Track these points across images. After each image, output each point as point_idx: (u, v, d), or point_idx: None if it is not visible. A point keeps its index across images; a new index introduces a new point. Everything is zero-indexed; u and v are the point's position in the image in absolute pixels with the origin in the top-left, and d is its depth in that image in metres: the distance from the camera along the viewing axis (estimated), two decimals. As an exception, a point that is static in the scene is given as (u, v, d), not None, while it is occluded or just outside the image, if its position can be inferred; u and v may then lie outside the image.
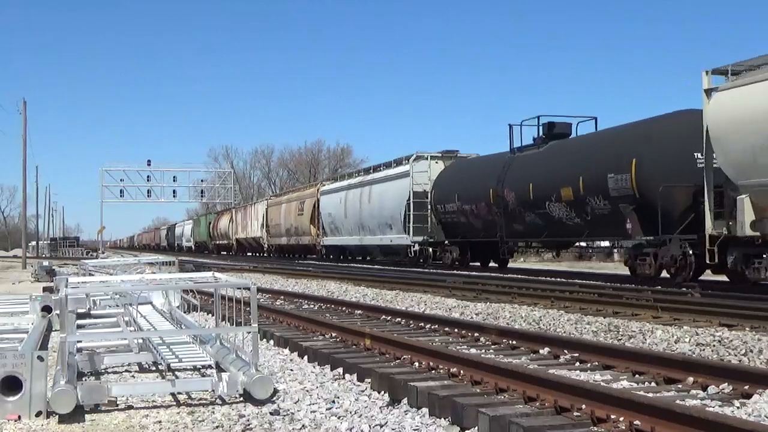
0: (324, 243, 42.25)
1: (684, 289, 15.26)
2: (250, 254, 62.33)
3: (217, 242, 72.95)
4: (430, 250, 30.26)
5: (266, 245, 54.78)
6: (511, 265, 30.60)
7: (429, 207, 30.23)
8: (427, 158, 31.31)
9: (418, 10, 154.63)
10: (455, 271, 25.36)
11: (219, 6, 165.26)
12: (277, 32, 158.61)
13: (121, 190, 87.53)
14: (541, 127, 24.62)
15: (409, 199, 30.62)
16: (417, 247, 30.44)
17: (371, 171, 37.39)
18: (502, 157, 26.15)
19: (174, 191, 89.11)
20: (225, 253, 69.12)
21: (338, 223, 39.33)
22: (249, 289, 7.02)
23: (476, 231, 27.30)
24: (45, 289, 16.58)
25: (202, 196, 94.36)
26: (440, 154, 31.56)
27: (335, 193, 40.50)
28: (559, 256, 31.82)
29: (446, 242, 29.54)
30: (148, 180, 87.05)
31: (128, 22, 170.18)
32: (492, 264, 29.27)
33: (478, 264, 29.45)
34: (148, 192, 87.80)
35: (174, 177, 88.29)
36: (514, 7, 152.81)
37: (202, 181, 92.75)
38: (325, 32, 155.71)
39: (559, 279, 19.88)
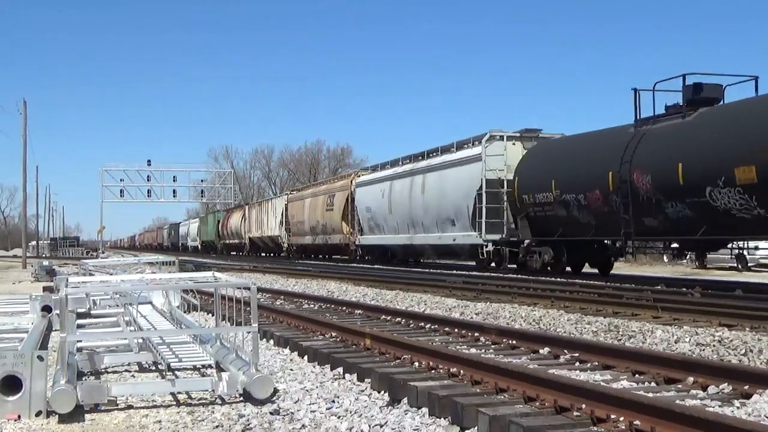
0: (360, 242, 36.48)
1: (684, 288, 15.25)
2: (264, 255, 57.19)
3: (227, 242, 68.16)
4: (507, 250, 24.72)
5: (286, 245, 48.88)
6: (619, 270, 24.84)
7: (505, 198, 24.63)
8: (502, 139, 25.42)
9: (418, 10, 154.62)
10: (456, 272, 24.81)
11: (219, 6, 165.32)
12: (277, 32, 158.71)
13: (121, 190, 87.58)
14: (683, 92, 18.50)
15: (480, 189, 25.02)
16: (491, 247, 24.96)
17: (424, 157, 30.98)
18: (622, 132, 19.93)
19: (174, 191, 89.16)
20: (236, 253, 64.39)
21: (379, 220, 33.81)
22: (249, 288, 7.02)
23: (583, 227, 21.15)
24: (45, 289, 16.58)
25: (202, 196, 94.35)
26: (518, 134, 25.74)
27: (375, 185, 34.58)
28: (705, 259, 25.34)
29: (531, 242, 23.55)
30: (148, 180, 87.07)
31: (128, 22, 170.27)
32: (590, 269, 23.57)
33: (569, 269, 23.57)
34: (148, 192, 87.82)
35: (174, 177, 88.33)
36: (514, 7, 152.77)
37: (202, 181, 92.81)
38: (325, 32, 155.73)
39: (559, 279, 19.86)
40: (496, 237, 24.88)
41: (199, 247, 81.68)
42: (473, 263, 27.27)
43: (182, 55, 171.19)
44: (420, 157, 31.36)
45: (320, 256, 45.80)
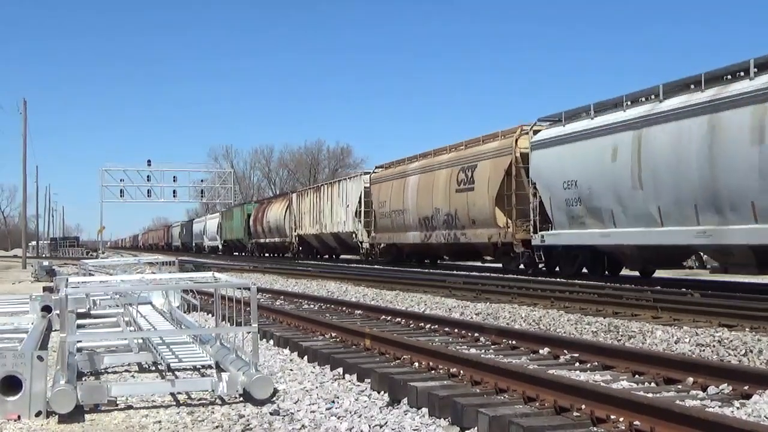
0: (546, 241, 21.13)
1: (684, 289, 15.24)
2: (328, 258, 44.66)
3: (262, 240, 54.56)
4: None
5: (366, 244, 35.77)
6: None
7: None
8: None
9: (418, 10, 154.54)
10: (456, 272, 25.02)
11: (219, 6, 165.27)
12: (276, 33, 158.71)
13: (121, 190, 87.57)
14: None
15: None
16: None
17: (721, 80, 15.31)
18: None
19: (174, 191, 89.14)
20: (277, 255, 52.13)
21: (604, 201, 18.65)
22: (249, 289, 7.02)
23: None
24: (45, 289, 16.58)
25: (202, 196, 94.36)
26: None
27: (587, 141, 19.31)
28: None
29: None
30: (148, 180, 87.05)
31: (128, 22, 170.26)
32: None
33: None
34: (148, 192, 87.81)
35: (174, 177, 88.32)
36: (514, 7, 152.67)
37: (202, 181, 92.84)
38: (324, 32, 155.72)
39: (559, 279, 19.85)
40: None
41: (220, 247, 69.31)
42: None
43: (182, 55, 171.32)
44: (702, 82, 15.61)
45: (440, 260, 31.80)
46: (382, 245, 34.56)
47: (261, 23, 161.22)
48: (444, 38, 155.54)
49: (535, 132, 22.12)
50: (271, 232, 52.00)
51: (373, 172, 36.14)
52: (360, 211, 35.99)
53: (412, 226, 30.64)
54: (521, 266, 23.29)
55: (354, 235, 36.77)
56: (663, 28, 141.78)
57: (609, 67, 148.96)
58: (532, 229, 21.76)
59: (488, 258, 28.34)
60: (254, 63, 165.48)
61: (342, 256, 44.17)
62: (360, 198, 36.02)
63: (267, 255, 54.32)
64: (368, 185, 35.51)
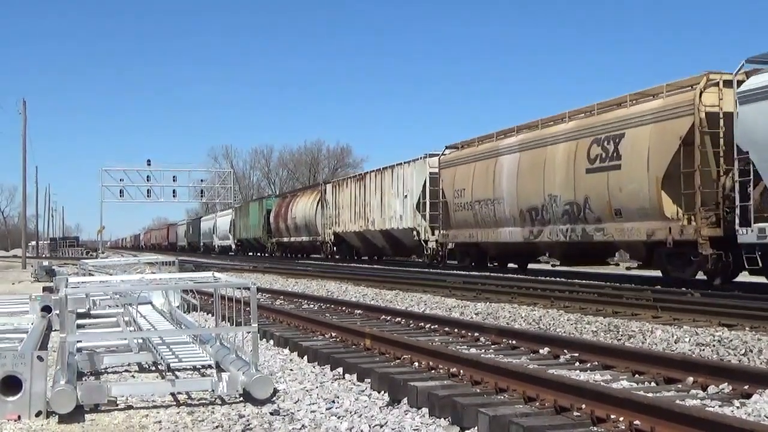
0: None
1: (684, 288, 15.25)
2: (377, 261, 37.18)
3: (286, 239, 48.25)
4: None
5: (432, 243, 28.82)
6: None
7: None
8: None
9: (418, 11, 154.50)
10: (456, 271, 24.94)
11: (218, 6, 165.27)
12: (276, 33, 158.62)
13: (120, 190, 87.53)
14: None
15: None
16: None
17: None
18: None
19: (174, 191, 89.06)
20: (302, 256, 46.89)
21: None
22: (249, 289, 7.02)
23: None
24: (45, 289, 16.58)
25: (201, 196, 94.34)
26: None
27: None
28: None
29: None
30: (147, 180, 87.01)
31: (128, 22, 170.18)
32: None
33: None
34: (147, 192, 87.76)
35: (174, 177, 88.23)
36: (515, 7, 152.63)
37: (201, 181, 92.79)
38: (324, 32, 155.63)
39: (559, 279, 19.85)
40: None
41: (233, 247, 63.39)
42: None
43: (182, 56, 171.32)
44: None
45: (551, 263, 24.46)
46: (455, 245, 27.28)
47: (261, 23, 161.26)
48: (444, 38, 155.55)
49: (740, 81, 15.12)
50: (298, 229, 45.03)
51: (443, 153, 27.87)
52: (424, 203, 29.25)
53: (506, 221, 23.29)
54: (704, 275, 16.70)
55: (415, 233, 29.70)
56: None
57: (612, 65, 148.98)
58: (738, 221, 14.88)
59: (628, 265, 22.02)
60: (254, 63, 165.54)
61: (390, 258, 36.57)
62: (424, 186, 29.19)
63: (291, 256, 47.84)
64: (435, 170, 28.06)
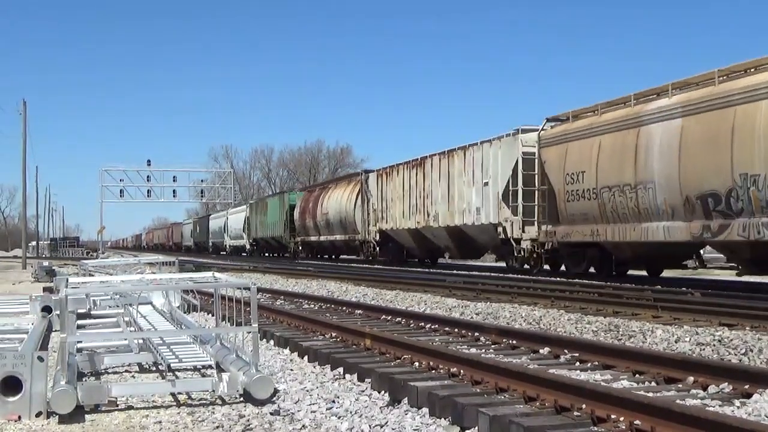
0: None
1: (684, 288, 15.25)
2: (430, 262, 31.48)
3: (314, 238, 41.96)
4: None
5: (527, 244, 22.49)
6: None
7: None
8: None
9: (418, 10, 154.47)
10: (456, 271, 24.80)
11: (218, 7, 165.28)
12: (276, 33, 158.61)
13: (121, 190, 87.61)
14: None
15: None
16: None
17: None
18: None
19: (174, 191, 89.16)
20: (331, 257, 42.45)
21: None
22: (249, 289, 7.02)
23: None
24: (45, 290, 16.60)
25: (202, 196, 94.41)
26: None
27: None
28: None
29: None
30: (148, 180, 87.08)
31: (128, 22, 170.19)
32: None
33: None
34: (148, 192, 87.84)
35: (174, 177, 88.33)
36: (514, 7, 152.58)
37: (202, 181, 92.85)
38: (324, 32, 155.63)
39: (559, 279, 19.85)
40: None
41: (248, 247, 57.57)
42: None
43: (182, 55, 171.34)
44: None
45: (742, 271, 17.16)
46: (564, 245, 20.85)
47: (261, 24, 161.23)
48: (444, 38, 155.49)
49: None
50: (330, 227, 38.89)
51: (542, 128, 21.97)
52: (514, 191, 22.79)
53: (658, 213, 17.22)
54: None
55: (500, 229, 23.49)
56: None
57: (612, 65, 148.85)
58: None
59: None
60: (254, 63, 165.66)
61: (455, 261, 31.52)
62: (514, 170, 22.79)
63: (318, 258, 42.38)
64: (532, 149, 22.19)
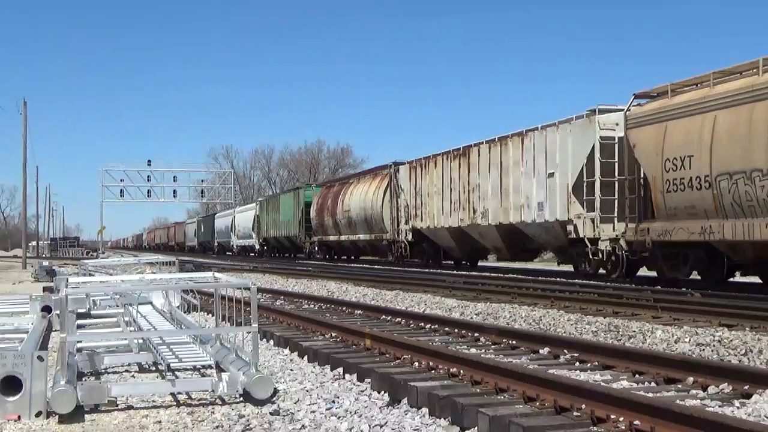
0: None
1: (684, 288, 15.24)
2: (468, 264, 28.42)
3: (333, 238, 38.83)
4: None
5: (606, 245, 19.10)
6: None
7: None
8: None
9: (418, 10, 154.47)
10: (455, 271, 24.63)
11: (219, 7, 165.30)
12: (276, 33, 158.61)
13: (121, 190, 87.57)
14: None
15: None
16: None
17: None
18: None
19: (174, 191, 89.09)
20: (348, 258, 39.88)
21: None
22: (249, 289, 7.02)
23: None
24: (45, 289, 16.58)
25: (202, 196, 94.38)
26: None
27: None
28: None
29: None
30: (148, 180, 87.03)
31: (128, 22, 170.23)
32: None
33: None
34: (148, 192, 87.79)
35: (174, 177, 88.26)
36: (515, 6, 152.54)
37: (202, 181, 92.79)
38: (324, 32, 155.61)
39: (559, 279, 19.83)
40: None
41: (257, 247, 54.66)
42: None
43: (182, 55, 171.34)
44: None
45: None
46: (661, 245, 17.15)
47: (261, 24, 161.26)
48: (444, 38, 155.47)
49: None
50: (353, 225, 35.68)
51: (629, 107, 18.03)
52: (590, 183, 19.43)
53: None
54: None
55: (570, 228, 20.11)
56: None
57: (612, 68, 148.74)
58: None
59: None
60: (254, 63, 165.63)
61: (507, 264, 28.57)
62: (591, 158, 19.42)
63: (336, 258, 39.62)
64: (611, 133, 19.13)
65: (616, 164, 18.90)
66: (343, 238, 37.66)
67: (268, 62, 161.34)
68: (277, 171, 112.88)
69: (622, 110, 18.53)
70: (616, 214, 19.06)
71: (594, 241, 19.46)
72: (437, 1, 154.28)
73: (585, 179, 19.69)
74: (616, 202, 19.00)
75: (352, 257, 39.92)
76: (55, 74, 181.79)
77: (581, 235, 19.83)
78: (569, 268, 21.62)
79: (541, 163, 21.50)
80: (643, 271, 19.55)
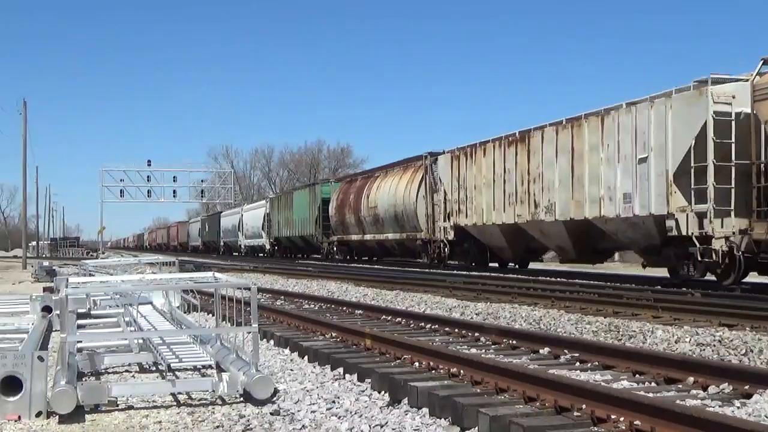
0: None
1: (684, 288, 15.24)
2: (517, 266, 25.42)
3: (356, 237, 35.47)
4: None
5: (721, 244, 15.37)
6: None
7: None
8: None
9: (418, 10, 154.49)
10: (455, 271, 24.47)
11: (219, 7, 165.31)
12: (276, 32, 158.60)
13: (121, 190, 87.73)
14: None
15: None
16: None
17: None
18: None
19: (174, 191, 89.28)
20: (371, 259, 36.22)
21: None
22: (249, 289, 7.02)
23: None
24: (45, 290, 16.59)
25: (202, 196, 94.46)
26: None
27: None
28: None
29: None
30: (148, 180, 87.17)
31: (128, 22, 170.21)
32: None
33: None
34: (148, 192, 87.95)
35: (174, 177, 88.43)
36: (516, 7, 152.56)
37: (202, 181, 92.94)
38: (324, 32, 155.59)
39: (559, 279, 19.83)
40: None
41: (267, 247, 51.36)
42: None
43: (182, 56, 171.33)
44: None
45: None
46: None
47: (261, 24, 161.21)
48: (444, 38, 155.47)
49: None
50: (380, 224, 32.24)
51: (757, 73, 15.16)
52: (700, 169, 15.88)
53: None
54: None
55: (672, 223, 16.51)
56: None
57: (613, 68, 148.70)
58: None
59: None
60: (254, 63, 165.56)
61: (569, 268, 24.48)
62: (702, 137, 15.79)
63: (356, 259, 36.55)
64: (727, 108, 15.59)
65: (733, 145, 15.36)
66: (367, 237, 34.17)
67: (267, 62, 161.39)
68: (277, 171, 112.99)
69: (741, 80, 15.58)
70: (733, 207, 15.58)
71: (705, 239, 15.87)
72: (437, 1, 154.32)
73: (693, 164, 15.97)
74: (734, 192, 15.50)
75: (375, 258, 36.23)
76: (54, 74, 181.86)
77: (687, 232, 16.19)
78: (635, 271, 17.87)
79: (629, 146, 17.88)
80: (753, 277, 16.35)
